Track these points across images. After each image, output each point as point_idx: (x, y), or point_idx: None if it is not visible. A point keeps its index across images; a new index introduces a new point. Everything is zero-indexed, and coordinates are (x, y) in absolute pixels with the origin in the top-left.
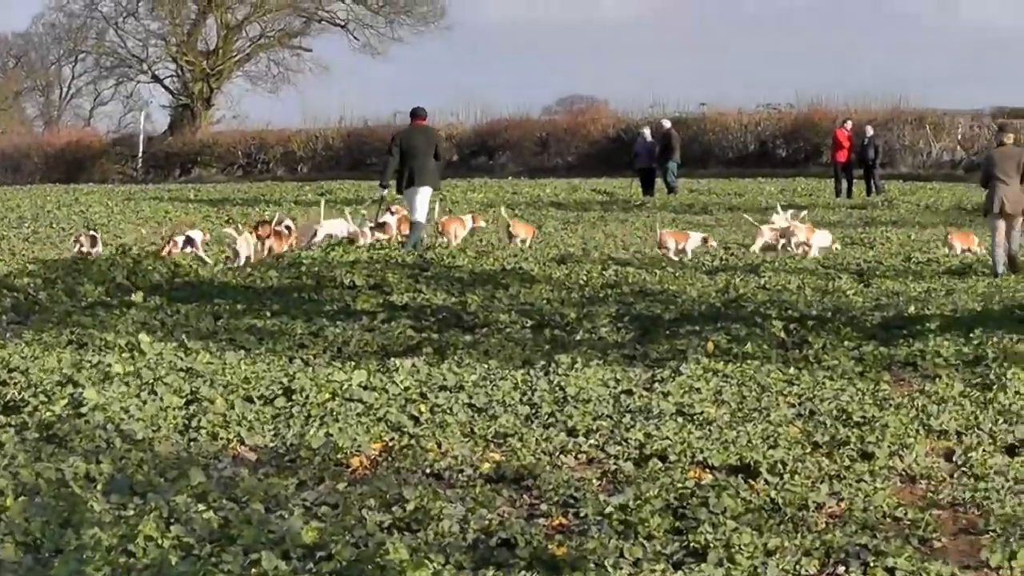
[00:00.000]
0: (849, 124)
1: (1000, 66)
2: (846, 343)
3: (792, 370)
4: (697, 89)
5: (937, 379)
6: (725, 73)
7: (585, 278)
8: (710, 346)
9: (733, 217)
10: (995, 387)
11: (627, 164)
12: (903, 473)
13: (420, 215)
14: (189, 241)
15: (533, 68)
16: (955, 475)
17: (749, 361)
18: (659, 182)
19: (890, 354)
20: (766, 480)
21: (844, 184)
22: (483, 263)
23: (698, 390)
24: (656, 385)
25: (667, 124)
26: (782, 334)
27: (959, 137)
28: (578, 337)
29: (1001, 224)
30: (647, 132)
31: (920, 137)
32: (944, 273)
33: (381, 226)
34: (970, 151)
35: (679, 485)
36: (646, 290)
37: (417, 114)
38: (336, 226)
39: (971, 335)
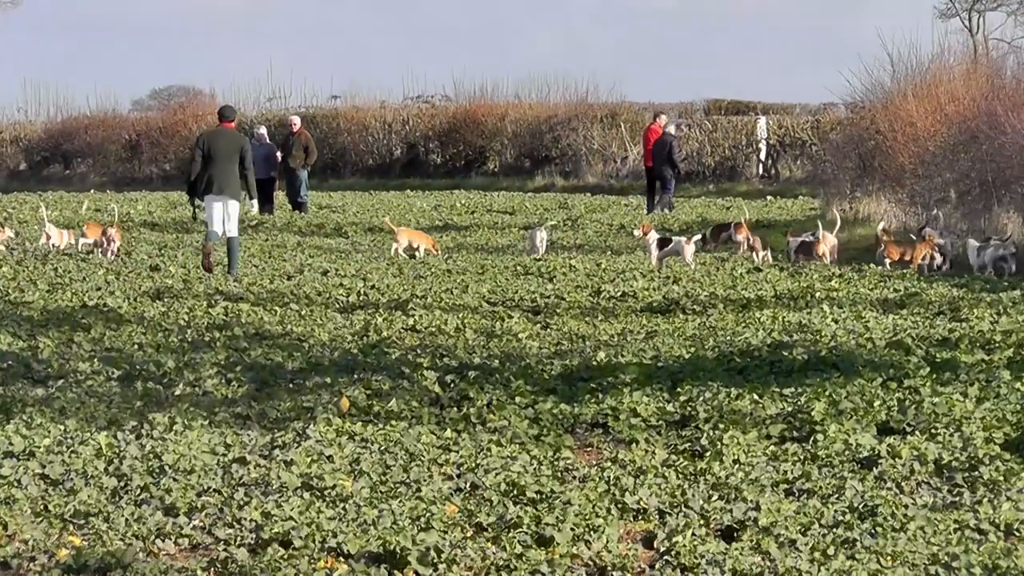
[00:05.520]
0: (663, 119)
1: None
2: (518, 399)
3: (449, 433)
4: (329, 79)
5: (634, 445)
6: (365, 59)
7: (187, 318)
8: (345, 403)
9: (376, 240)
10: (707, 455)
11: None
12: (590, 563)
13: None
14: None
15: (122, 56)
16: (657, 565)
17: (394, 422)
18: (281, 196)
19: (574, 413)
20: (416, 572)
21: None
22: (58, 299)
23: (330, 458)
24: (276, 452)
25: (297, 122)
26: (436, 388)
27: None
28: (178, 391)
29: None
30: (263, 132)
31: (613, 139)
32: (644, 311)
33: None
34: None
35: None
36: (264, 333)
37: (224, 115)
38: None
39: (677, 389)
